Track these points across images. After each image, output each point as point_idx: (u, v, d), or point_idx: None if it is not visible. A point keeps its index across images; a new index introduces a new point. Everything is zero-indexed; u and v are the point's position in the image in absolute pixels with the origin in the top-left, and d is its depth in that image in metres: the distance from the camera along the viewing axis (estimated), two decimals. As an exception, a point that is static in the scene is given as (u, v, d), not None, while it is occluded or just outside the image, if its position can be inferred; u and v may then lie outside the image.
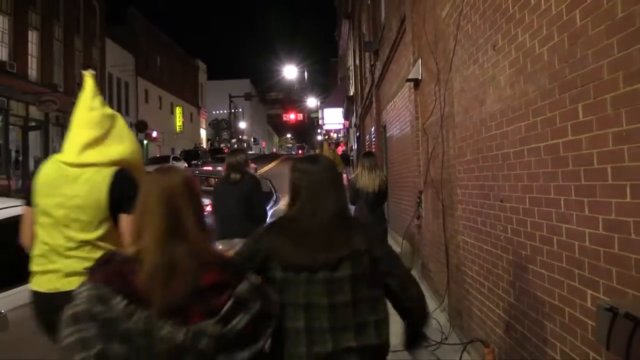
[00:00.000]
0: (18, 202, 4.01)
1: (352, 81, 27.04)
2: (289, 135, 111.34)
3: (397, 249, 9.24)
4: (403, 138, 8.62)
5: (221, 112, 67.13)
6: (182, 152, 39.23)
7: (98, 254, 2.30)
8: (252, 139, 78.10)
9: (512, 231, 3.40)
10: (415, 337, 2.31)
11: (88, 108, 2.73)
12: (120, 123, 2.81)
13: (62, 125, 27.53)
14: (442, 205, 5.44)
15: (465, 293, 4.68)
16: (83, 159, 2.59)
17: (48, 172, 2.64)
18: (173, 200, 1.75)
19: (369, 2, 14.89)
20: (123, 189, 2.52)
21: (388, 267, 2.09)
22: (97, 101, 2.77)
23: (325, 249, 1.98)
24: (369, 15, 14.84)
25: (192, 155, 37.14)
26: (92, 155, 2.60)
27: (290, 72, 40.21)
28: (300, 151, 61.98)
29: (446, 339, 4.85)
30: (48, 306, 2.43)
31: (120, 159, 2.66)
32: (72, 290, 1.76)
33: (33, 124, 25.04)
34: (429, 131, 6.19)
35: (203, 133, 60.33)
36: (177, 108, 49.19)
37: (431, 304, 5.91)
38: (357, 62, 21.16)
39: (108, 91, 33.75)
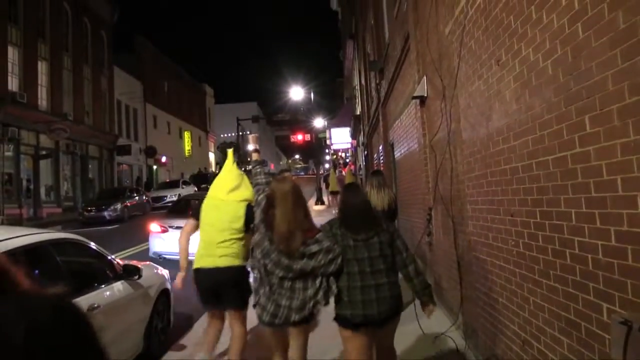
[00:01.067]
0: (29, 231, 4.04)
1: (358, 100, 27.17)
2: (297, 156, 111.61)
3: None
4: (411, 155, 8.61)
5: (229, 135, 67.53)
6: (191, 176, 39.41)
7: (236, 245, 4.44)
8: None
9: (524, 246, 3.37)
10: (421, 296, 3.67)
11: (229, 170, 4.82)
12: (246, 178, 4.78)
13: (73, 152, 27.84)
14: (453, 221, 5.41)
15: (479, 310, 4.62)
16: (229, 198, 4.60)
17: (208, 203, 4.68)
18: (297, 194, 3.48)
19: (372, 22, 15.02)
20: (251, 215, 4.24)
21: (401, 246, 3.56)
22: (234, 165, 4.88)
23: (365, 230, 3.45)
24: (373, 34, 14.96)
25: (201, 179, 37.36)
26: (234, 196, 4.60)
27: (296, 93, 40.35)
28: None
29: (462, 357, 4.79)
30: (207, 276, 4.41)
31: (246, 198, 4.56)
32: (222, 266, 4.34)
33: (44, 152, 25.31)
34: (436, 148, 6.19)
35: (212, 157, 60.65)
36: (186, 133, 49.59)
37: (445, 322, 5.84)
38: (363, 81, 21.28)
39: (117, 118, 34.12)
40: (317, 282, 3.36)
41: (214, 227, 4.47)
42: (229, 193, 4.60)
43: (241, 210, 4.50)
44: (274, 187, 3.53)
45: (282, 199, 3.40)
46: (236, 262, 4.38)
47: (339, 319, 3.44)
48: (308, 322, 3.45)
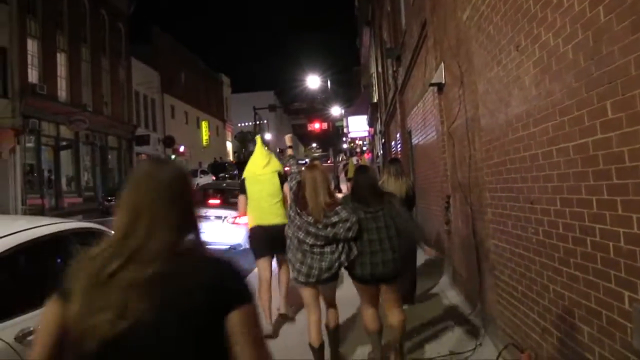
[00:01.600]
0: (51, 220, 4.10)
1: (375, 88, 27.01)
2: (314, 145, 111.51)
3: (425, 256, 9.15)
4: (429, 143, 8.56)
5: (246, 124, 67.71)
6: (209, 165, 39.72)
7: (281, 205, 5.82)
8: (278, 150, 78.31)
9: (544, 233, 3.34)
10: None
11: (260, 151, 6.22)
12: (273, 156, 6.30)
13: (92, 143, 28.17)
14: (471, 209, 5.37)
15: (498, 298, 4.60)
16: (264, 171, 5.99)
17: (250, 180, 6.05)
18: (322, 176, 4.23)
19: (389, 9, 14.89)
20: (283, 179, 5.81)
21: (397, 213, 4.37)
22: (264, 147, 6.34)
23: (373, 204, 4.31)
24: (390, 21, 14.84)
25: (219, 168, 37.60)
26: (268, 169, 6.01)
27: (313, 82, 40.22)
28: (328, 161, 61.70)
29: (480, 344, 4.79)
30: (265, 231, 5.79)
31: (277, 169, 6.06)
32: (277, 224, 5.61)
33: (64, 143, 25.65)
34: (454, 135, 6.14)
35: (229, 146, 60.91)
36: (203, 122, 49.80)
37: (464, 309, 5.84)
38: (380, 69, 21.15)
39: (135, 108, 34.37)
40: (340, 246, 4.18)
41: (261, 196, 5.91)
42: (263, 168, 6.01)
43: (275, 179, 5.97)
44: (303, 173, 4.38)
45: (309, 182, 4.21)
46: (285, 220, 5.13)
47: (353, 276, 4.37)
48: (335, 279, 4.32)
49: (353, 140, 47.62)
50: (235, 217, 10.25)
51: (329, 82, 39.95)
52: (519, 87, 3.61)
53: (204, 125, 49.92)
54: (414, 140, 10.96)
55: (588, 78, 2.55)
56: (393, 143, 17.09)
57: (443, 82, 6.61)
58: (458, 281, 6.77)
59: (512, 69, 3.72)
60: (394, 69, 13.92)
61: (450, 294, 6.70)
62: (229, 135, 61.80)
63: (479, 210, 5.09)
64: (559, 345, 3.20)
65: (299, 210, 4.27)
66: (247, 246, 6.57)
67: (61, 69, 25.64)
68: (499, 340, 4.65)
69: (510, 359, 4.24)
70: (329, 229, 4.10)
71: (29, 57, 22.85)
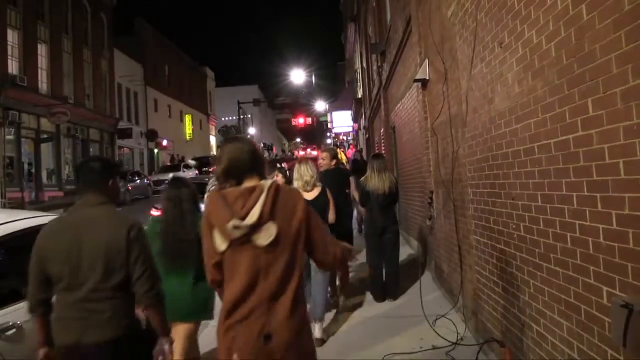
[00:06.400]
0: (32, 214, 4.05)
1: (359, 83, 27.02)
2: (298, 140, 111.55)
3: (409, 250, 9.20)
4: (412, 139, 8.59)
5: (230, 118, 67.30)
6: (193, 158, 39.59)
7: None
8: (262, 144, 77.85)
9: (525, 229, 3.37)
10: None
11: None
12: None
13: (73, 136, 27.79)
14: (454, 205, 5.41)
15: (479, 293, 4.65)
16: None
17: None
18: None
19: (374, 4, 14.89)
20: None
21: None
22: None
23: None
24: (375, 17, 14.84)
25: (203, 162, 37.50)
26: None
27: (297, 76, 40.22)
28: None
29: (461, 339, 4.82)
30: None
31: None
32: None
33: (45, 136, 25.29)
34: (438, 131, 6.17)
35: (213, 140, 60.52)
36: (187, 116, 49.40)
37: (445, 304, 5.88)
38: (364, 64, 21.15)
39: (118, 101, 33.98)
40: None
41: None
42: None
43: None
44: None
45: None
46: None
47: None
48: None
49: (337, 135, 47.58)
50: None
51: (313, 77, 39.95)
52: (502, 84, 3.63)
53: (187, 118, 49.52)
54: (398, 136, 10.99)
55: (570, 75, 2.57)
56: (377, 139, 17.12)
57: (427, 78, 6.63)
58: (440, 276, 6.82)
59: (495, 66, 3.74)
60: (379, 64, 13.93)
61: (432, 289, 6.75)
62: (213, 129, 61.38)
63: (462, 206, 5.12)
64: (539, 340, 3.24)
65: None
66: None
67: (42, 60, 25.23)
68: (480, 335, 4.69)
69: (491, 353, 4.29)
70: None
71: (9, 48, 22.43)
